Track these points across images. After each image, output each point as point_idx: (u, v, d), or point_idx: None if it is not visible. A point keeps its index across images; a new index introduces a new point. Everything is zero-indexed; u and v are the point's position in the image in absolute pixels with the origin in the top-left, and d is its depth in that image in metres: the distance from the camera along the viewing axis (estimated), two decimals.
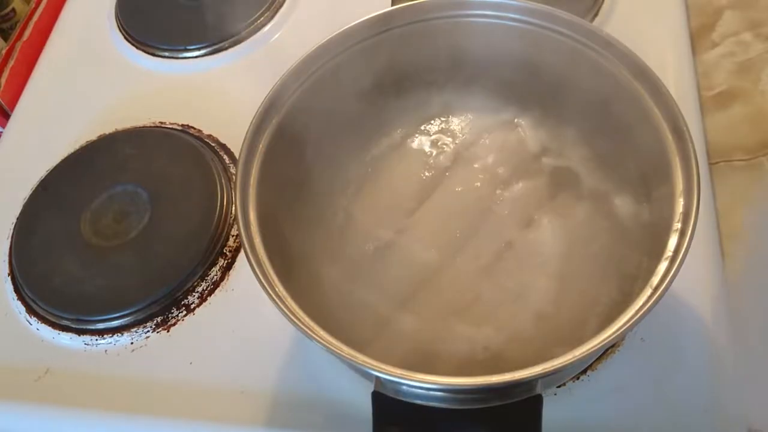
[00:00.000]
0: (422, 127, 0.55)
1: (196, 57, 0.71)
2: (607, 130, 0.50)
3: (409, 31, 0.50)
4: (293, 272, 0.43)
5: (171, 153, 0.63)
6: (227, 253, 0.58)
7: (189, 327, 0.55)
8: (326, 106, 0.50)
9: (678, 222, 0.39)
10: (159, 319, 0.55)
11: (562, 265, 0.48)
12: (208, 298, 0.56)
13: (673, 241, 0.39)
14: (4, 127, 0.72)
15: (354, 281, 0.49)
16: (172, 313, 0.55)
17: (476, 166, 0.53)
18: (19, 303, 0.58)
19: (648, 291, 0.37)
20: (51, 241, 0.60)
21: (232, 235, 0.58)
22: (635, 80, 0.45)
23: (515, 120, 0.54)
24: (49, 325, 0.56)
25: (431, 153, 0.54)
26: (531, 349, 0.45)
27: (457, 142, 0.54)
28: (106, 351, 0.55)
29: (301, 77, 0.48)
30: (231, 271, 0.57)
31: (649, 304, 0.36)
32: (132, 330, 0.55)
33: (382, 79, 0.52)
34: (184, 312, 0.55)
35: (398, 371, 0.36)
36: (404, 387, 0.37)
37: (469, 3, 0.50)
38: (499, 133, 0.54)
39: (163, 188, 0.61)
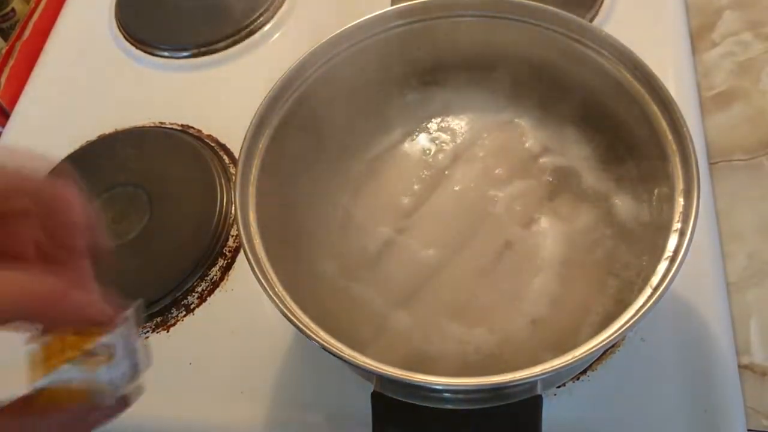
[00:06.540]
0: (422, 127, 0.55)
1: (196, 57, 0.71)
2: (607, 130, 0.50)
3: (409, 31, 0.50)
4: (293, 272, 0.43)
5: (171, 153, 0.63)
6: (227, 253, 0.58)
7: (189, 327, 0.55)
8: (325, 106, 0.50)
9: (678, 222, 0.39)
10: (159, 319, 0.55)
11: (561, 266, 0.48)
12: (208, 298, 0.56)
13: (673, 241, 0.38)
14: (4, 127, 0.72)
15: (353, 280, 0.49)
16: (172, 313, 0.55)
17: (476, 165, 0.53)
18: None
19: (648, 291, 0.37)
20: None
21: (232, 235, 0.58)
22: (635, 80, 0.45)
23: (515, 120, 0.54)
24: None
25: (431, 152, 0.54)
26: (523, 352, 0.45)
27: (456, 141, 0.54)
28: None
29: (300, 78, 0.48)
30: (231, 271, 0.57)
31: (649, 304, 0.36)
32: None
33: (381, 79, 0.52)
34: (184, 312, 0.55)
35: (398, 371, 0.36)
36: (404, 387, 0.37)
37: (469, 3, 0.50)
38: (499, 133, 0.54)
39: (163, 188, 0.61)
